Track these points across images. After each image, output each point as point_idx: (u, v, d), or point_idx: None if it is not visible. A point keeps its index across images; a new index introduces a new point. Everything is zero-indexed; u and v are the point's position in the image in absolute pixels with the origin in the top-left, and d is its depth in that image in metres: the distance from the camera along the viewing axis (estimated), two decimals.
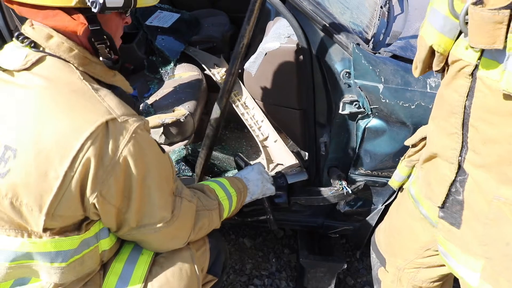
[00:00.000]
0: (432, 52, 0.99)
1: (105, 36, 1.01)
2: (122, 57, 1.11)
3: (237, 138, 2.49)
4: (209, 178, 1.93)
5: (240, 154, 1.79)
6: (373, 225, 1.85)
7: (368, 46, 1.49)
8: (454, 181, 1.01)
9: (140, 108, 2.13)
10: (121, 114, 0.96)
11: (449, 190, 1.03)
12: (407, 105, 1.44)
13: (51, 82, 0.94)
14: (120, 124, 0.95)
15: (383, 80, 1.43)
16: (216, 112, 1.55)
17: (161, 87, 2.26)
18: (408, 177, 1.35)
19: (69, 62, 0.98)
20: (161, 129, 1.95)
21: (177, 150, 1.99)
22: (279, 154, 2.36)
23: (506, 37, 0.78)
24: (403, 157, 1.35)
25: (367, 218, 1.84)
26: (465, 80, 0.91)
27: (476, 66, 0.88)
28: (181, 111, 2.03)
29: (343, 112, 1.53)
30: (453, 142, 0.98)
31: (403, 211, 1.33)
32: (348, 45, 1.45)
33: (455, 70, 0.93)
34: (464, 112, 0.93)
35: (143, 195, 1.03)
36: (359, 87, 1.45)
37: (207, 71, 2.35)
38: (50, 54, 0.97)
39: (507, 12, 0.77)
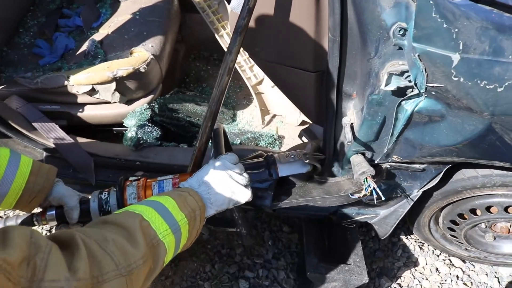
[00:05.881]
0: None
1: None
2: None
3: None
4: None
5: (221, 125, 1.26)
6: (404, 213, 1.42)
7: None
8: None
9: (86, 48, 1.51)
10: None
11: None
12: (492, 86, 0.90)
13: None
14: None
15: (461, 47, 0.87)
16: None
17: (115, 12, 1.62)
18: None
19: None
20: (113, 84, 1.38)
21: (138, 111, 1.44)
22: (278, 102, 1.85)
23: None
24: None
25: (396, 205, 1.41)
26: None
27: None
28: (142, 54, 1.44)
29: (386, 88, 0.99)
30: None
31: None
32: None
33: None
34: None
35: None
36: (418, 55, 0.90)
37: None
38: None
39: None
